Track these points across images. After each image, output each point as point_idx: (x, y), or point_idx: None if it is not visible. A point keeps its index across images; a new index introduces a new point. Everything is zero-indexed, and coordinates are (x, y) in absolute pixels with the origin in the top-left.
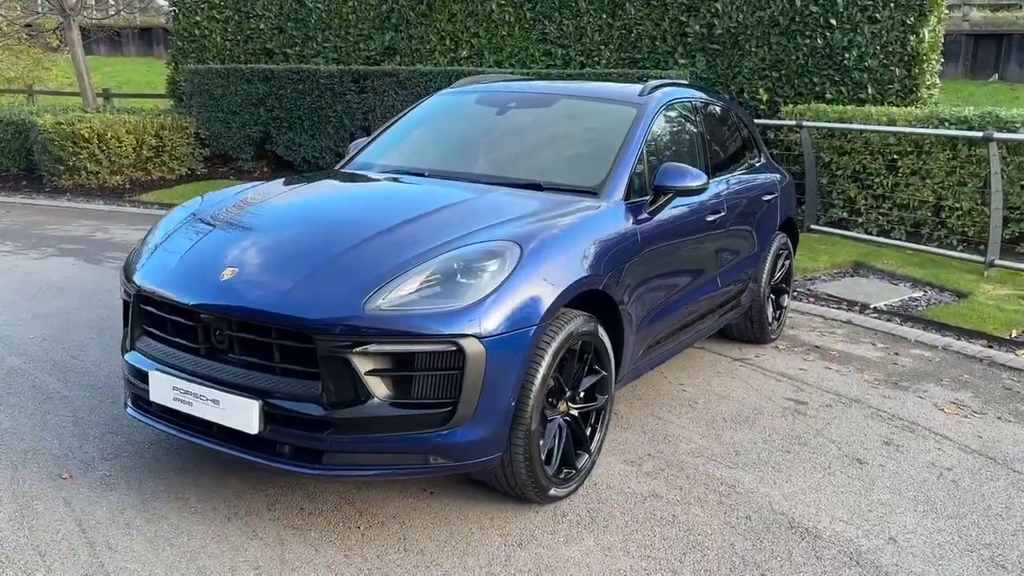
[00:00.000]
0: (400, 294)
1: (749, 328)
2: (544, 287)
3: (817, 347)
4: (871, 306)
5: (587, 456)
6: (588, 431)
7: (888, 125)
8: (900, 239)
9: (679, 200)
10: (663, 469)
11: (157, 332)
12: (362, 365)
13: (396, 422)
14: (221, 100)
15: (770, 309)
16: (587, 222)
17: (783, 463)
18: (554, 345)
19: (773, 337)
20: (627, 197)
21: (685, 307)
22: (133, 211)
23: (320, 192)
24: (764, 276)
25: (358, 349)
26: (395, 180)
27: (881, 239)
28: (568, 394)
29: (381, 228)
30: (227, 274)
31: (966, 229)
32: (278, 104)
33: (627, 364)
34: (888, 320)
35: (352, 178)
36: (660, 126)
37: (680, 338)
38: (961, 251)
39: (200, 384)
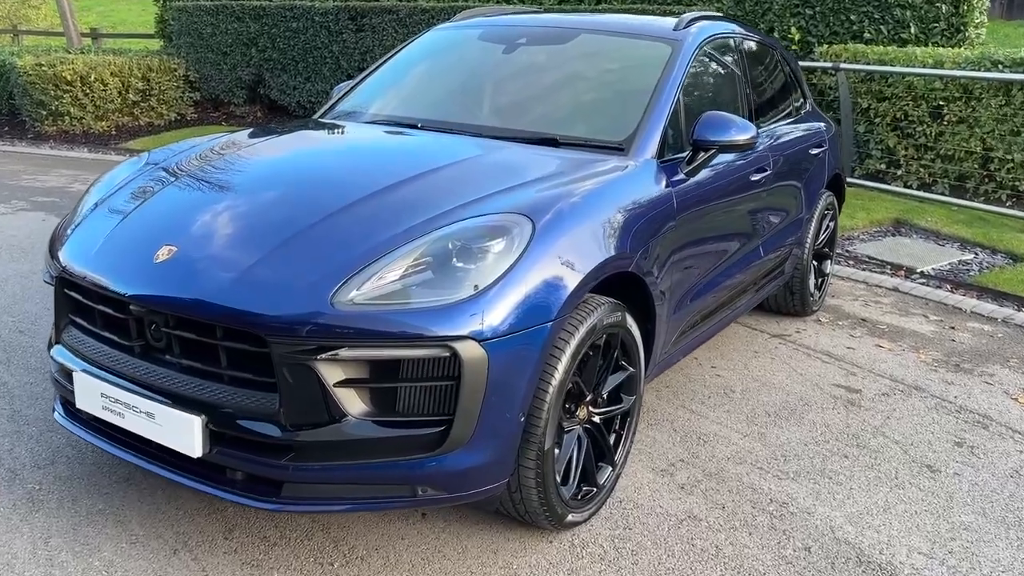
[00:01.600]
0: (379, 284)
1: (789, 299)
2: (562, 272)
3: (863, 320)
4: (918, 270)
5: (611, 470)
6: (612, 439)
7: (935, 68)
8: (943, 193)
9: (720, 157)
10: (700, 480)
11: (85, 324)
12: (330, 375)
13: (375, 446)
14: (211, 40)
15: (812, 277)
16: (614, 187)
17: (841, 472)
18: (574, 343)
19: (814, 309)
20: (660, 154)
21: (724, 282)
22: (118, 159)
23: (289, 148)
24: (808, 241)
25: (325, 355)
26: (382, 133)
27: (922, 193)
28: (589, 398)
29: (358, 196)
30: (162, 254)
31: (1017, 183)
32: (271, 44)
33: (658, 354)
34: (938, 287)
35: (331, 130)
36: (698, 67)
37: (717, 318)
38: (1010, 207)
39: (132, 392)
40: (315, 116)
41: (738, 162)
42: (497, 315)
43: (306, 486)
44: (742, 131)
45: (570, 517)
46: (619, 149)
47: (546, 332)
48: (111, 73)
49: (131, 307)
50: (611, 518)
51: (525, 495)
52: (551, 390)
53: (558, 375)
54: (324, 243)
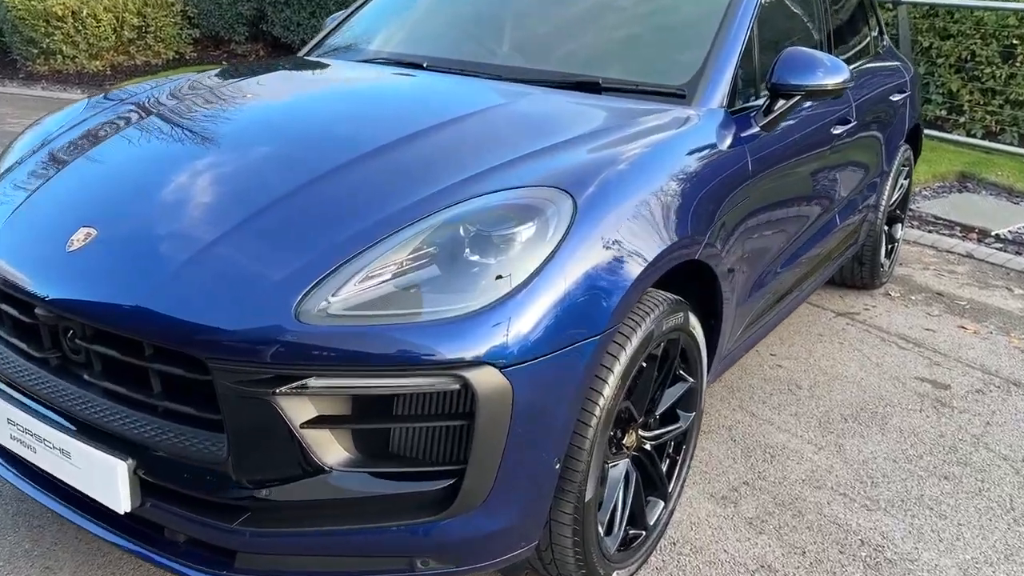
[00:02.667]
0: (363, 286)
1: (857, 271)
2: (612, 266)
3: (939, 295)
4: (992, 233)
5: (663, 505)
6: (665, 466)
7: (1009, 0)
8: (1011, 143)
9: (800, 106)
10: (772, 512)
11: None
12: (296, 412)
13: (360, 506)
14: None
15: (883, 245)
16: (674, 146)
17: (943, 500)
18: (625, 358)
19: (883, 281)
20: (730, 103)
21: (800, 259)
22: None
23: (259, 95)
24: (883, 203)
25: (287, 388)
26: (376, 75)
27: (988, 143)
28: (640, 420)
29: (339, 161)
30: (78, 239)
31: None
32: None
33: (722, 354)
34: (1017, 253)
35: (315, 70)
36: None
37: (787, 301)
38: None
39: (44, 421)
40: (301, 53)
41: (819, 111)
42: (526, 329)
43: (267, 557)
44: (832, 73)
45: (615, 575)
46: (678, 96)
47: (592, 349)
48: (104, 8)
49: (36, 310)
50: (663, 569)
51: (559, 556)
52: (595, 423)
53: (605, 403)
54: (289, 229)
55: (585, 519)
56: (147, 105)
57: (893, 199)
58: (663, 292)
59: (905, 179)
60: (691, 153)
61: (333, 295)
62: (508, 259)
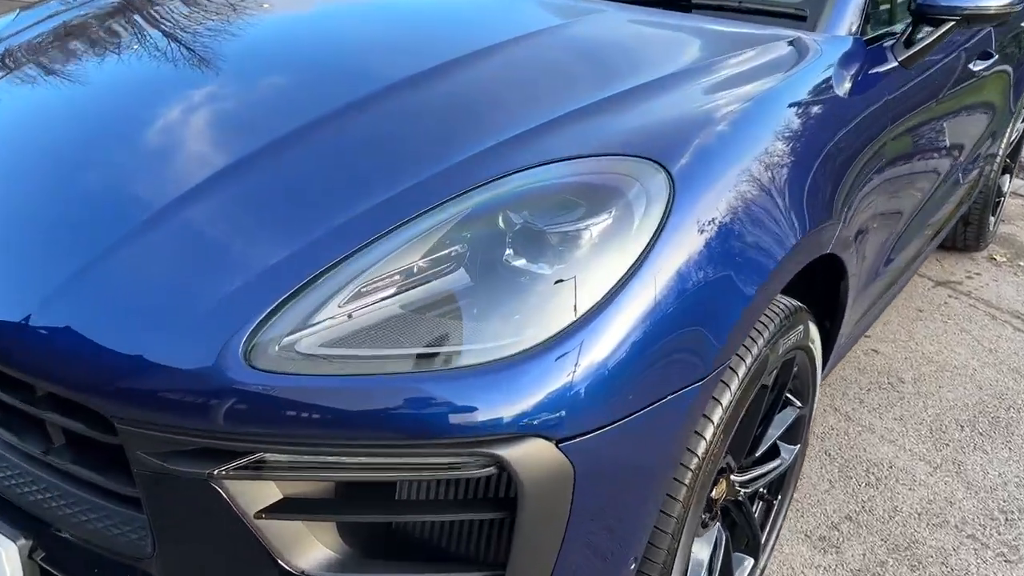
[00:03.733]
0: (350, 310)
1: (960, 231)
2: (727, 272)
3: None
4: None
5: (752, 563)
6: (759, 509)
7: None
8: None
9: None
10: (883, 562)
11: None
12: (250, 497)
13: None
14: None
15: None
16: (797, 89)
17: None
18: (731, 400)
19: (988, 242)
20: (862, 29)
21: (922, 228)
22: None
23: (198, 17)
24: (1001, 151)
25: (233, 467)
26: None
27: None
28: (736, 466)
29: (317, 113)
30: None
31: None
32: None
33: (833, 355)
34: None
35: None
36: None
37: (903, 279)
38: None
39: None
40: None
41: (962, 42)
42: (600, 378)
43: None
44: None
45: None
46: (797, 17)
47: (694, 396)
48: None
49: None
50: None
51: None
52: (685, 496)
53: (700, 467)
54: (241, 217)
55: None
56: (47, 37)
57: (1010, 146)
58: (777, 300)
59: (1022, 122)
60: (817, 99)
61: (305, 324)
62: (572, 267)
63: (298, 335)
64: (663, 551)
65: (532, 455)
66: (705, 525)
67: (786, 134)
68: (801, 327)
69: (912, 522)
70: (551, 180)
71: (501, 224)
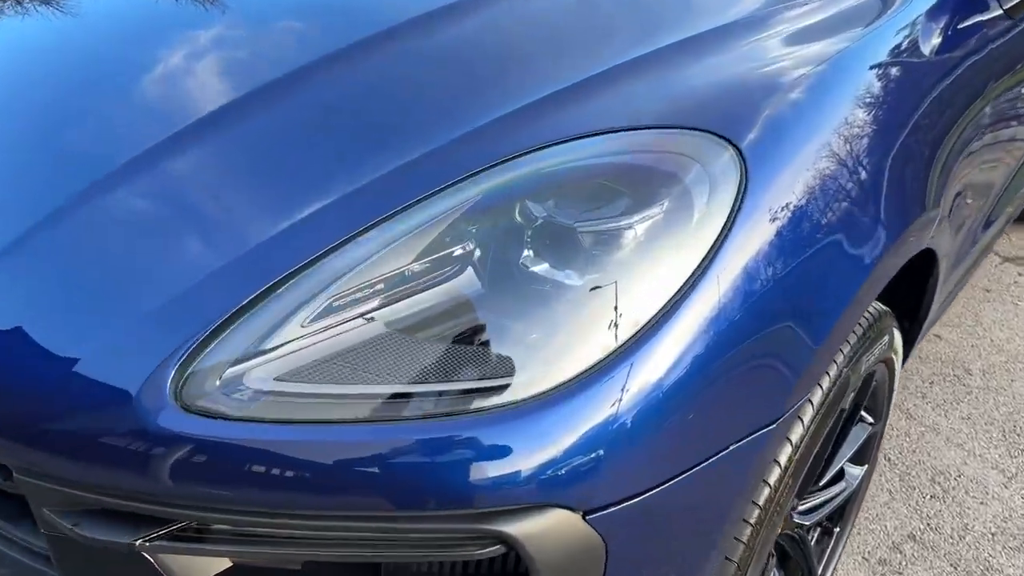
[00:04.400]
0: (316, 330)
1: None
2: (813, 284)
3: None
4: None
5: None
6: (816, 539)
7: None
8: None
9: None
10: None
11: None
12: (191, 568)
13: None
14: None
15: None
16: (879, 45)
17: None
18: (803, 435)
19: None
20: None
21: (1008, 202)
22: None
23: None
24: None
25: (161, 534)
26: None
27: None
28: (797, 500)
29: (282, 73)
30: None
31: None
32: None
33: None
34: None
35: None
36: None
37: (979, 263)
38: None
39: None
40: None
41: None
42: (641, 431)
43: None
44: None
45: None
46: None
47: (762, 444)
48: None
49: None
50: None
51: None
52: (740, 555)
53: (760, 515)
54: (186, 204)
55: None
56: None
57: None
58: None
59: None
60: (904, 58)
61: (257, 348)
62: (610, 277)
63: (247, 364)
64: None
65: (551, 531)
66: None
67: (870, 101)
68: (886, 337)
69: (985, 544)
70: (584, 160)
71: (518, 217)
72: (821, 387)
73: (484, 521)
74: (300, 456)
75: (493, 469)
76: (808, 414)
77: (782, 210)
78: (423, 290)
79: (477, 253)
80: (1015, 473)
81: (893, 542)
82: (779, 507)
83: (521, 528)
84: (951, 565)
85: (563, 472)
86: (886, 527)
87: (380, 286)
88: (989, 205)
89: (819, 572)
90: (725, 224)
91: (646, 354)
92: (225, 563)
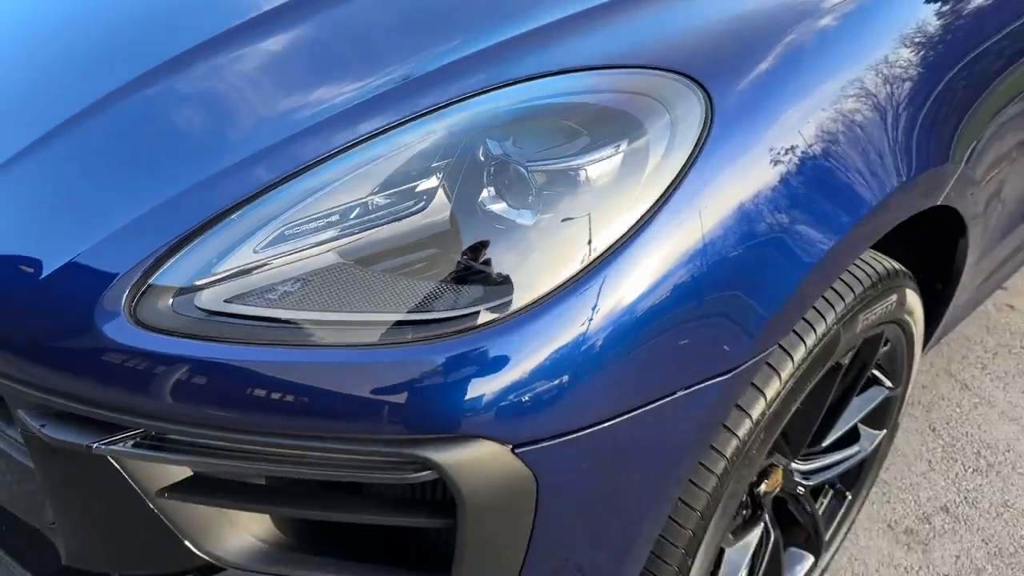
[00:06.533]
0: (267, 257)
1: None
2: (776, 232)
3: None
4: None
5: (812, 562)
6: (827, 502)
7: None
8: None
9: None
10: (981, 569)
11: None
12: (147, 474)
13: None
14: None
15: None
16: None
17: None
18: (780, 389)
19: None
20: None
21: None
22: None
23: None
24: None
25: (116, 439)
26: None
27: None
28: (795, 456)
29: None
30: None
31: None
32: None
33: (942, 324)
34: None
35: None
36: None
37: None
38: None
39: None
40: None
41: None
42: (575, 370)
43: None
44: None
45: None
46: None
47: (714, 394)
48: None
49: None
50: None
51: None
52: (706, 503)
53: (727, 467)
54: (153, 132)
55: None
56: None
57: None
58: (865, 259)
59: None
60: None
61: (209, 271)
62: (559, 218)
63: (198, 285)
64: (671, 566)
65: (479, 462)
66: (745, 525)
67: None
68: (894, 297)
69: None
70: (544, 100)
71: (479, 155)
72: (804, 341)
73: (414, 447)
74: (242, 375)
75: (421, 399)
76: (787, 368)
77: (750, 154)
78: (380, 224)
79: (437, 189)
80: None
81: (924, 512)
82: (748, 459)
83: (448, 456)
84: (983, 541)
85: (490, 405)
86: (918, 497)
87: (335, 217)
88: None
89: (827, 536)
90: (684, 166)
91: (579, 299)
92: (186, 471)
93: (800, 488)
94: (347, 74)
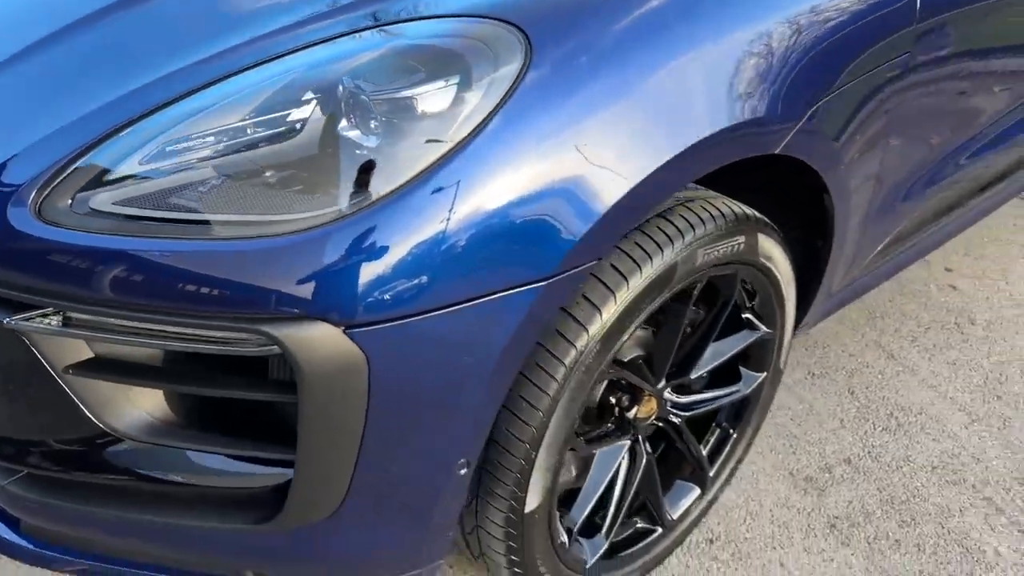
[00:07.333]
0: (145, 170)
1: None
2: (589, 163)
3: None
4: None
5: (698, 494)
6: (712, 441)
7: None
8: None
9: None
10: (870, 513)
11: None
12: (58, 351)
13: (160, 492)
14: None
15: None
16: None
17: None
18: (615, 308)
19: None
20: None
21: (1003, 145)
22: None
23: None
24: None
25: (25, 317)
26: None
27: None
28: (661, 385)
29: None
30: None
31: None
32: None
33: (832, 288)
34: None
35: None
36: None
37: (969, 209)
38: None
39: None
40: None
41: None
42: (400, 263)
43: (58, 531)
44: None
45: None
46: None
47: (533, 299)
48: None
49: None
50: None
51: (492, 567)
52: (547, 407)
53: (569, 376)
54: (60, 73)
55: (526, 533)
56: None
57: None
58: (713, 202)
59: None
60: None
61: (102, 179)
62: (394, 139)
63: (92, 190)
64: (517, 459)
65: (315, 340)
66: (609, 436)
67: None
68: (741, 239)
69: (921, 475)
70: (394, 43)
71: (340, 90)
72: (638, 265)
73: (259, 324)
74: (127, 263)
75: (262, 284)
76: (622, 289)
77: (563, 91)
78: (252, 146)
79: (305, 119)
80: (982, 417)
81: (827, 463)
82: (586, 368)
83: (285, 332)
84: (877, 489)
85: (324, 289)
86: (824, 450)
87: (211, 138)
88: (943, 153)
89: (711, 472)
90: (501, 99)
91: (413, 202)
92: (84, 352)
93: (675, 419)
94: (223, 31)
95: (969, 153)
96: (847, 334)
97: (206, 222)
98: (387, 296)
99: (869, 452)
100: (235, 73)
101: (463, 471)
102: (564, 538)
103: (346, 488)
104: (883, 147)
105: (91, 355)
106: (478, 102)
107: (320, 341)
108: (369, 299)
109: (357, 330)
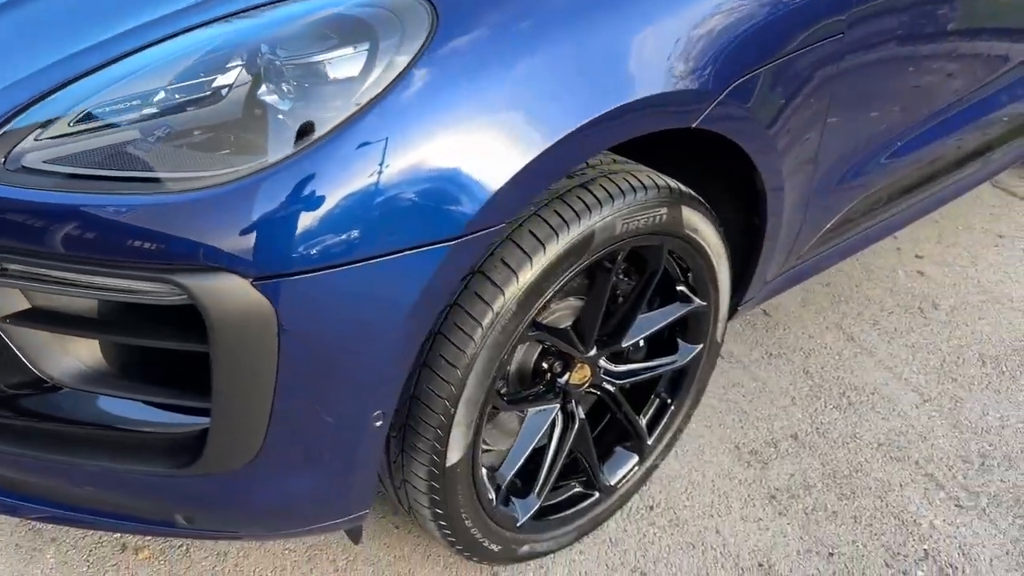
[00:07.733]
0: (74, 131)
1: None
2: (497, 129)
3: None
4: None
5: (636, 461)
6: (651, 412)
7: None
8: None
9: None
10: (811, 486)
11: None
12: None
13: (92, 436)
14: None
15: None
16: None
17: None
18: (535, 272)
19: None
20: None
21: (960, 129)
22: None
23: None
24: None
25: None
26: None
27: None
28: (594, 352)
29: None
30: None
31: None
32: None
33: (772, 269)
34: None
35: None
36: None
37: (930, 192)
38: None
39: None
40: None
41: None
42: (307, 218)
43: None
44: None
45: (526, 548)
46: None
47: (442, 257)
48: None
49: None
50: (620, 543)
51: (423, 525)
52: (467, 363)
53: (483, 333)
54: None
55: (448, 486)
56: None
57: None
58: (637, 175)
59: None
60: None
61: (35, 139)
62: (305, 101)
63: (24, 148)
64: (437, 414)
65: (223, 290)
66: (538, 398)
67: None
68: (663, 211)
69: (866, 451)
70: (311, 11)
71: (259, 57)
72: (555, 232)
73: (170, 274)
74: (54, 217)
75: (181, 234)
76: (539, 254)
77: (469, 59)
78: (179, 110)
79: (228, 85)
80: (933, 397)
81: (773, 438)
82: (503, 329)
83: (195, 282)
84: (821, 464)
85: (233, 242)
86: (772, 426)
87: (136, 102)
88: (873, 142)
89: (650, 441)
90: (409, 64)
91: (320, 159)
92: (21, 303)
93: (610, 387)
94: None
95: (915, 137)
96: (809, 317)
97: (130, 179)
98: (294, 251)
99: (817, 428)
100: (166, 38)
101: (379, 423)
102: (492, 495)
103: (263, 436)
104: (819, 128)
105: (28, 306)
106: (384, 69)
107: (229, 292)
108: (276, 253)
109: (265, 282)
